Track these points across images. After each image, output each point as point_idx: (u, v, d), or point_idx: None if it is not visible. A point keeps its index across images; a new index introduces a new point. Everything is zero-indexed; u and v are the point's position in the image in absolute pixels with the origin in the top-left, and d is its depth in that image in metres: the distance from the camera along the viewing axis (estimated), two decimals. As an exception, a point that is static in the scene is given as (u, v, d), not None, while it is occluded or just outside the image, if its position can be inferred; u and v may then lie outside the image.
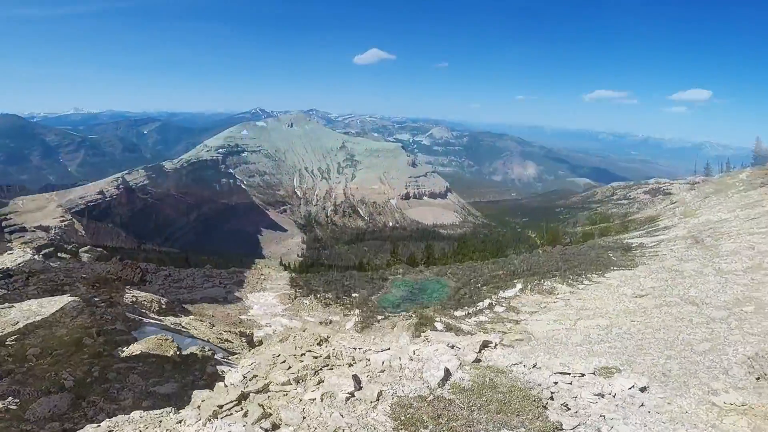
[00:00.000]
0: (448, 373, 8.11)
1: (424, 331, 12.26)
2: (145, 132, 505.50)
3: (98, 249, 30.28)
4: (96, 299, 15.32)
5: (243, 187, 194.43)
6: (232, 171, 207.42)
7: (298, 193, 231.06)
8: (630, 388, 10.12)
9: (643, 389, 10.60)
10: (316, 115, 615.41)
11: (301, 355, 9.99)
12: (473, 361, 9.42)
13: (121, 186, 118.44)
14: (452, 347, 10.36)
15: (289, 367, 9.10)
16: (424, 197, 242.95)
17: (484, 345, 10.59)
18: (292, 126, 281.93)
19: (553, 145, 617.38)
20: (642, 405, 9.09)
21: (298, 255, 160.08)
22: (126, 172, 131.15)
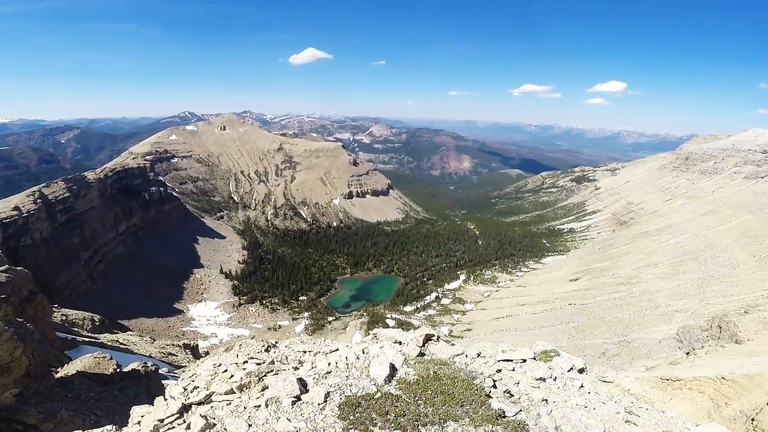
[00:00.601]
0: (393, 369, 8.18)
1: (376, 329, 12.30)
2: (63, 141, 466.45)
3: (18, 269, 27.33)
4: (20, 320, 13.87)
5: (175, 194, 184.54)
6: (162, 178, 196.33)
7: (235, 198, 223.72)
8: (569, 370, 10.71)
9: (581, 370, 11.25)
10: (251, 117, 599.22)
11: (244, 362, 9.77)
12: (417, 355, 9.52)
13: (38, 200, 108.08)
14: (399, 343, 10.48)
15: (231, 376, 8.90)
16: (367, 195, 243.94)
17: (427, 338, 10.68)
18: (224, 129, 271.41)
19: (486, 139, 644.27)
20: (582, 386, 9.60)
21: (239, 262, 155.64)
22: (44, 184, 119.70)
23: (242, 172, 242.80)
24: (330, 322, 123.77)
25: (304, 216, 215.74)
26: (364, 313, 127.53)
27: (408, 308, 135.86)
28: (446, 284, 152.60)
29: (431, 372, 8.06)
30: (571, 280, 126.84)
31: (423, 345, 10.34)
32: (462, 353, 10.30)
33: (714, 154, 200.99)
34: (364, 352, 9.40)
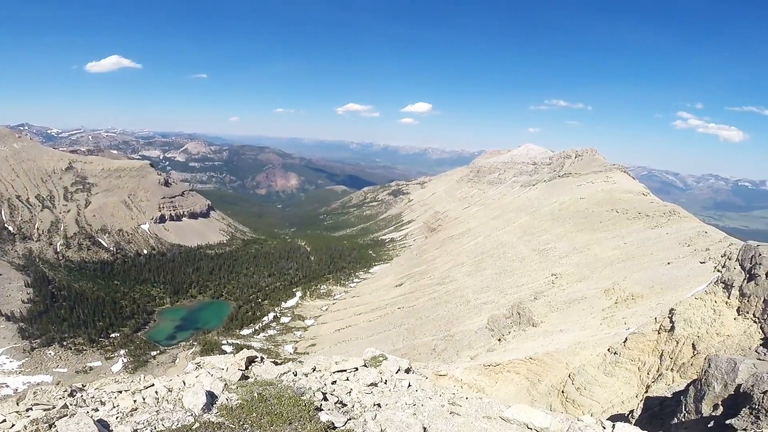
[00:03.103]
0: (212, 396, 7.87)
1: (198, 358, 11.17)
2: None
3: None
4: None
5: None
6: None
7: (10, 228, 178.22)
8: (397, 372, 11.25)
9: (407, 370, 11.91)
10: (30, 131, 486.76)
11: (27, 410, 8.44)
12: (240, 379, 9.33)
13: None
14: (221, 369, 10.14)
15: (12, 426, 7.69)
16: (184, 218, 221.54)
17: (250, 361, 10.55)
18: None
19: (312, 156, 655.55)
20: (410, 385, 10.11)
21: (23, 301, 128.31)
22: None
23: (18, 196, 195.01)
24: (154, 357, 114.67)
25: (106, 245, 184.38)
26: (195, 343, 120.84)
27: (245, 332, 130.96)
28: (283, 303, 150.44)
29: (256, 394, 7.89)
30: (396, 286, 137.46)
31: (246, 368, 10.20)
32: (289, 371, 10.34)
33: (498, 166, 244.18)
34: (182, 384, 8.84)
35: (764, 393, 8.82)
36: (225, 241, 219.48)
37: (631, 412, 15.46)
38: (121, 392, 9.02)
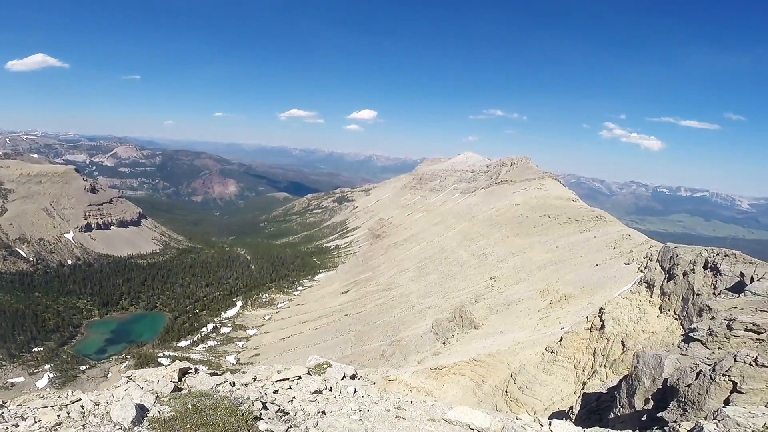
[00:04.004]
0: (143, 409, 7.58)
1: (130, 371, 10.63)
2: None
3: None
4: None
5: None
6: None
7: None
8: (342, 379, 11.27)
9: (353, 377, 11.92)
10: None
11: None
12: (173, 391, 9.13)
13: None
14: (152, 382, 9.85)
15: None
16: (113, 227, 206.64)
17: (184, 372, 10.33)
18: None
19: (252, 162, 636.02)
20: (355, 391, 10.13)
21: None
22: None
23: None
24: (84, 371, 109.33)
25: (25, 255, 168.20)
26: (128, 356, 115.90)
27: (183, 343, 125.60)
28: (223, 313, 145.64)
29: (190, 405, 7.64)
30: (343, 293, 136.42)
31: (179, 380, 9.95)
32: (225, 381, 10.12)
33: (439, 174, 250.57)
34: (110, 397, 8.54)
35: (689, 386, 9.58)
36: (158, 251, 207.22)
37: (571, 408, 16.29)
38: (45, 407, 8.45)
